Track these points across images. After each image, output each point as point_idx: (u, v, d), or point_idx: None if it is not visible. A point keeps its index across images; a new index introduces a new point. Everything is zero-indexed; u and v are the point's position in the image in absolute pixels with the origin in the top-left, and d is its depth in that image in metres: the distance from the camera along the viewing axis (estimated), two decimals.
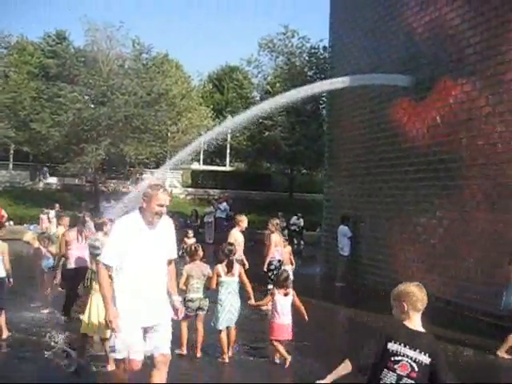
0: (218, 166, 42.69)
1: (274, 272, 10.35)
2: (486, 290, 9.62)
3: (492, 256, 9.70)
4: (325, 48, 29.43)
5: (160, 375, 4.59)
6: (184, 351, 7.10)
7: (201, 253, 7.40)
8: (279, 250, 10.92)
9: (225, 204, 24.12)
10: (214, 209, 23.73)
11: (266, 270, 10.71)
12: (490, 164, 9.91)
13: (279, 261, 10.78)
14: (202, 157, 45.73)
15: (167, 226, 4.79)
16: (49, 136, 25.01)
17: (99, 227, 8.37)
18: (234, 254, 7.53)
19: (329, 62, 29.08)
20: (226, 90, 50.08)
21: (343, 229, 14.12)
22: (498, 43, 9.79)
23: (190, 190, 33.55)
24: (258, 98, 31.80)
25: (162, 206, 4.57)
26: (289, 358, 6.91)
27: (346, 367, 3.59)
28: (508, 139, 9.51)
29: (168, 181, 35.57)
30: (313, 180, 34.94)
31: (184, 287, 7.13)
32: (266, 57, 30.20)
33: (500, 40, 9.74)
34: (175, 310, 4.85)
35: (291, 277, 11.11)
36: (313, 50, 29.40)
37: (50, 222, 22.09)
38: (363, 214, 14.05)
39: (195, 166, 41.17)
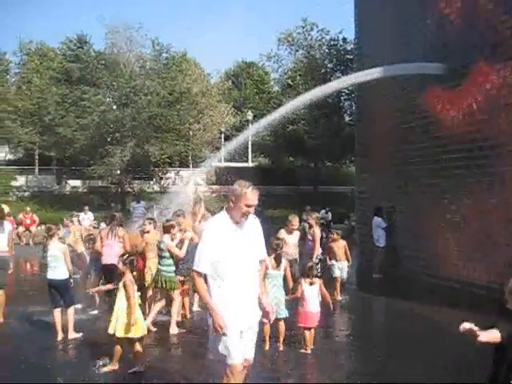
0: (238, 162, 42.72)
1: (318, 266, 10.35)
2: None
3: None
4: (344, 39, 29.34)
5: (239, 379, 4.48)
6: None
7: None
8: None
9: None
10: None
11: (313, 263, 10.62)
12: None
13: (322, 254, 10.77)
14: (222, 154, 45.95)
15: (255, 225, 4.60)
16: (74, 139, 25.24)
17: (167, 230, 8.35)
18: (281, 248, 7.64)
19: (351, 53, 29.28)
20: (243, 86, 50.21)
21: (377, 220, 14.06)
22: None
23: (214, 187, 33.61)
24: (278, 92, 31.67)
25: (250, 206, 4.34)
26: (310, 346, 7.23)
27: (495, 335, 3.60)
28: None
29: (192, 179, 35.76)
30: (337, 172, 34.83)
31: None
32: (286, 51, 30.18)
33: None
34: (265, 313, 4.66)
35: (345, 274, 11.19)
36: (332, 42, 29.26)
37: (80, 224, 22.34)
38: (399, 205, 13.98)
39: (216, 163, 41.29)
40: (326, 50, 29.34)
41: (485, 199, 10.92)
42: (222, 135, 40.58)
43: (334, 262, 11.02)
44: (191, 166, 37.03)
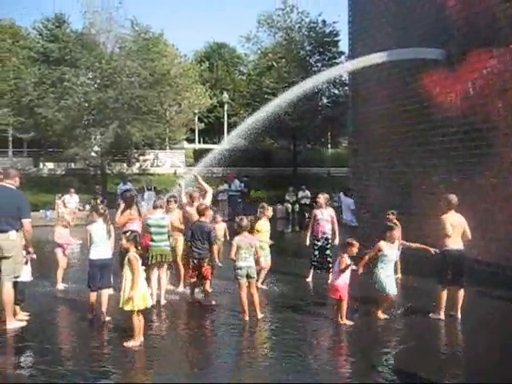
0: (214, 144, 42.78)
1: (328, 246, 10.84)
2: None
3: None
4: (324, 22, 29.56)
5: None
6: (247, 316, 8.05)
7: (248, 226, 8.26)
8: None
9: (237, 181, 24.38)
10: (228, 186, 23.96)
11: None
12: None
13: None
14: (197, 136, 45.89)
15: None
16: (55, 121, 24.85)
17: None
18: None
19: (330, 35, 29.60)
20: (215, 68, 50.05)
21: (348, 200, 14.77)
22: None
23: (193, 169, 33.66)
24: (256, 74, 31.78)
25: None
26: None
27: None
28: None
29: (169, 161, 35.73)
30: (315, 155, 35.28)
31: (234, 257, 8.04)
32: (265, 33, 30.23)
33: None
34: None
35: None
36: (312, 25, 29.45)
37: (65, 206, 22.24)
38: (394, 185, 14.48)
39: (190, 145, 41.26)
40: (306, 33, 29.52)
41: (482, 179, 11.49)
42: (196, 117, 40.55)
43: None
44: (168, 148, 36.98)
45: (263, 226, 10.22)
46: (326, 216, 10.85)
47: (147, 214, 9.45)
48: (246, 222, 8.18)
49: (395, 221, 11.26)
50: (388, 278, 8.05)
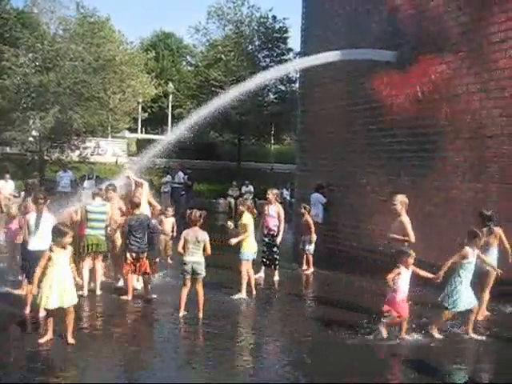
0: (157, 134, 42.10)
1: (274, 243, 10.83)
2: None
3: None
4: (274, 18, 29.62)
5: None
6: (181, 312, 7.92)
7: (199, 219, 7.93)
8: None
9: (180, 173, 24.00)
10: (171, 178, 23.56)
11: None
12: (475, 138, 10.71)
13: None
14: (140, 125, 45.02)
15: None
16: None
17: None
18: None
19: (279, 31, 29.67)
20: (161, 57, 49.21)
21: (318, 196, 14.66)
22: (484, 24, 10.47)
23: (135, 159, 32.95)
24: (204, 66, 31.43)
25: None
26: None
27: None
28: (494, 115, 10.29)
29: (111, 150, 34.80)
30: (259, 149, 35.36)
31: (182, 250, 7.82)
32: (214, 25, 30.00)
33: (488, 21, 10.42)
34: None
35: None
36: (262, 20, 29.44)
37: None
38: (340, 183, 14.63)
39: (132, 135, 40.40)
40: (255, 27, 29.49)
41: (428, 182, 11.76)
42: (140, 106, 39.75)
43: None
44: (110, 136, 36.03)
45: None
46: (271, 212, 10.86)
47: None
48: (196, 214, 7.94)
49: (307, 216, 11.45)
50: (466, 290, 7.34)
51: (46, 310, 6.54)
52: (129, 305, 8.66)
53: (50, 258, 6.44)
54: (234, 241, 9.32)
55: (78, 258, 8.45)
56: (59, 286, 6.41)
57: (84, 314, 8.01)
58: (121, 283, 9.56)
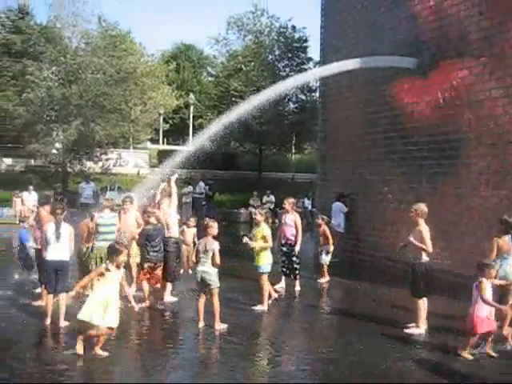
0: (178, 145, 42.37)
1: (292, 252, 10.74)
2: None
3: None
4: (293, 27, 29.64)
5: None
6: (200, 323, 7.85)
7: (212, 229, 7.90)
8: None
9: (202, 183, 24.07)
10: (193, 189, 23.62)
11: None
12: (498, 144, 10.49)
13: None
14: (161, 136, 45.35)
15: None
16: (16, 115, 24.14)
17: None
18: None
19: (299, 41, 29.66)
20: (181, 69, 49.64)
21: (339, 205, 14.52)
22: (506, 28, 10.29)
23: (157, 169, 33.19)
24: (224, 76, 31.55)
25: None
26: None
27: None
28: None
29: (132, 161, 35.16)
30: (280, 159, 35.31)
31: (195, 260, 8.01)
32: (234, 35, 30.15)
33: (509, 25, 10.24)
34: None
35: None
36: (281, 30, 29.50)
37: (23, 204, 21.51)
38: (361, 192, 14.47)
39: (153, 146, 40.71)
40: (275, 37, 29.55)
41: (450, 189, 11.54)
42: (161, 117, 40.05)
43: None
44: (132, 147, 36.39)
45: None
46: (288, 221, 10.77)
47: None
48: (207, 224, 7.94)
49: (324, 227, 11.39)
50: None
51: (80, 321, 6.46)
52: (145, 315, 8.64)
53: (102, 274, 6.41)
54: (254, 244, 9.15)
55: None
56: (106, 305, 6.36)
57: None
58: (133, 291, 9.59)
